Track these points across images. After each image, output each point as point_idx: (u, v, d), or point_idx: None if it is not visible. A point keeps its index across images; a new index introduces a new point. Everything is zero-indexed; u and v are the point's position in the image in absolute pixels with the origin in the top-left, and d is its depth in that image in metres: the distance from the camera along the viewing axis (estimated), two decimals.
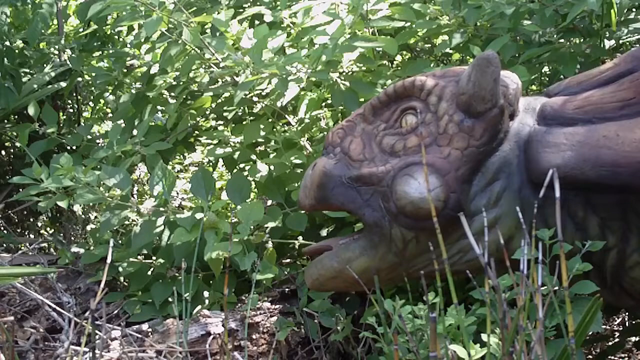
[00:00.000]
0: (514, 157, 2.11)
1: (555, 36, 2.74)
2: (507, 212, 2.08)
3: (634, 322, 2.91)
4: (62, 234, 4.10)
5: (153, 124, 3.52)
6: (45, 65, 3.98)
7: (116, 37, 4.00)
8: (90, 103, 4.48)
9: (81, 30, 4.09)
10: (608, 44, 2.82)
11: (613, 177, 1.93)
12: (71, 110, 4.40)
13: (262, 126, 3.02)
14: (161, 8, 2.85)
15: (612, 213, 2.01)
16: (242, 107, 3.29)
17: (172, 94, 3.35)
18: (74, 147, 3.54)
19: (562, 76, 2.80)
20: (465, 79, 2.11)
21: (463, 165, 2.10)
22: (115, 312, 2.92)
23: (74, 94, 4.30)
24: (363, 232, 2.26)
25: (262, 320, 2.73)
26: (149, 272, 2.97)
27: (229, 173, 3.39)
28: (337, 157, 2.26)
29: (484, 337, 1.88)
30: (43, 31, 3.76)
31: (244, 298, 2.92)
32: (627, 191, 1.95)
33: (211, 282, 2.90)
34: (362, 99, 2.83)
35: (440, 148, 2.13)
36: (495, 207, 2.09)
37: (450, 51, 3.12)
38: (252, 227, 2.59)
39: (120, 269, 2.96)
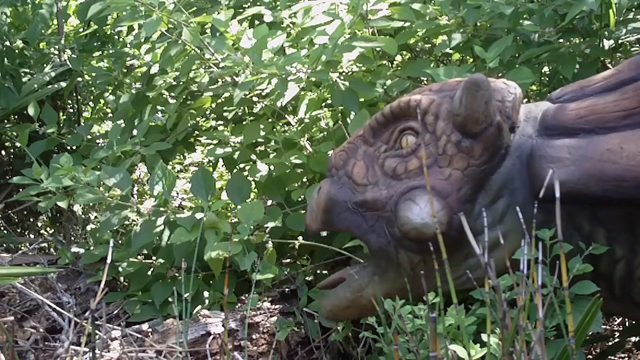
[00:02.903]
0: (516, 173, 2.08)
1: (554, 36, 2.74)
2: (512, 229, 2.06)
3: (634, 322, 2.91)
4: (62, 234, 4.09)
5: (153, 124, 3.52)
6: (45, 65, 3.98)
7: (116, 37, 4.00)
8: (90, 103, 4.48)
9: (81, 30, 4.09)
10: (607, 43, 2.82)
11: (618, 192, 1.91)
12: (71, 110, 4.40)
13: (262, 126, 3.01)
14: (161, 8, 2.85)
15: (619, 226, 1.99)
16: (242, 107, 3.29)
17: (172, 94, 3.35)
18: (74, 147, 3.54)
19: (561, 76, 2.80)
20: (457, 101, 2.08)
21: (464, 185, 2.08)
22: (115, 312, 2.92)
23: (74, 94, 4.30)
24: (370, 258, 2.24)
25: (262, 320, 2.73)
26: (149, 272, 2.97)
27: (229, 173, 3.39)
28: (341, 180, 2.24)
29: (484, 337, 1.88)
30: (43, 31, 3.77)
31: (244, 298, 2.93)
32: (633, 205, 1.93)
33: (211, 282, 2.90)
34: (361, 99, 2.83)
35: (440, 169, 2.10)
36: (500, 225, 2.07)
37: (450, 51, 3.12)
38: (252, 227, 2.59)
39: (120, 269, 2.96)
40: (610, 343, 2.81)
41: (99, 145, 3.48)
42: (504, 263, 1.95)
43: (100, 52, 3.97)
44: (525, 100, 2.82)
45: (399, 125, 2.20)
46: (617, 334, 2.95)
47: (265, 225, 2.75)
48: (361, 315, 2.32)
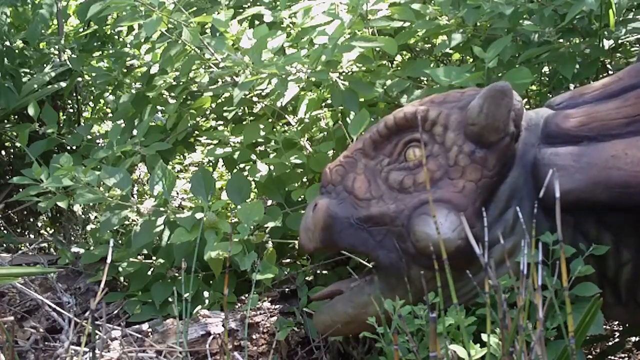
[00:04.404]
0: (522, 182, 2.06)
1: (554, 36, 2.74)
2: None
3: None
4: (62, 234, 4.10)
5: (153, 124, 3.53)
6: (45, 65, 3.98)
7: (116, 37, 4.00)
8: (90, 103, 4.48)
9: (81, 30, 4.09)
10: (607, 43, 2.82)
11: (624, 198, 1.90)
12: (71, 110, 4.40)
13: (262, 126, 3.02)
14: (161, 8, 2.85)
15: (625, 229, 1.99)
16: (242, 107, 3.29)
17: (172, 94, 3.35)
18: (74, 147, 3.54)
19: (561, 76, 2.80)
20: (475, 110, 2.03)
21: (478, 197, 2.03)
22: (115, 312, 2.92)
23: (74, 94, 4.30)
24: (377, 273, 2.18)
25: (262, 320, 2.73)
26: (149, 272, 2.98)
27: (229, 173, 3.39)
28: (340, 196, 2.16)
29: (484, 337, 1.88)
30: (43, 31, 3.77)
31: (244, 298, 2.93)
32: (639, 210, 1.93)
33: (211, 282, 2.91)
34: (361, 99, 2.83)
35: (453, 181, 2.05)
36: (512, 235, 2.04)
37: (450, 51, 3.12)
38: (252, 227, 2.59)
39: (120, 269, 2.96)
40: (610, 343, 2.81)
41: (99, 145, 3.49)
42: (517, 273, 1.90)
43: (100, 52, 3.97)
44: (525, 100, 2.82)
45: (403, 138, 2.14)
46: (617, 334, 2.95)
47: (265, 225, 2.75)
48: (361, 331, 2.19)
